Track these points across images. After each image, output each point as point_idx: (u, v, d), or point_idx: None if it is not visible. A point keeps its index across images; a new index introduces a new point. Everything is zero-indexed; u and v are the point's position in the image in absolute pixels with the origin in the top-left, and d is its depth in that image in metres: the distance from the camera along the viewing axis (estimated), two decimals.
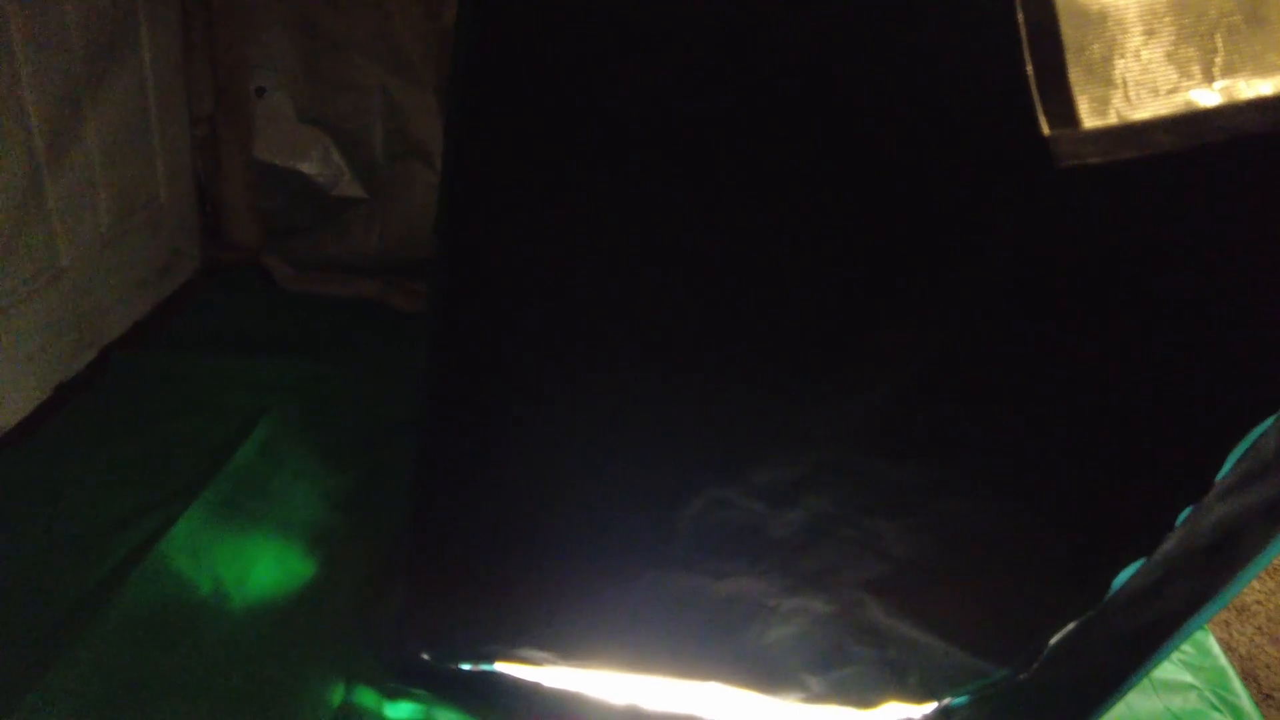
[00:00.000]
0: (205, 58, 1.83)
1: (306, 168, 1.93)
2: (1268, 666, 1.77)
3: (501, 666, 1.26)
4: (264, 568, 1.42)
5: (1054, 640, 1.10)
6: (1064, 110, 0.52)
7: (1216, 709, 1.60)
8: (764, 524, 1.03)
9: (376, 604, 1.36)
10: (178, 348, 1.86)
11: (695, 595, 1.10)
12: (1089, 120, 0.53)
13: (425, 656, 1.25)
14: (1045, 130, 0.53)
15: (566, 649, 1.19)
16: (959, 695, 1.19)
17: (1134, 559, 1.01)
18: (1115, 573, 1.03)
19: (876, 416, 0.93)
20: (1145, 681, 1.69)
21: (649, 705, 1.25)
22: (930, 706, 1.22)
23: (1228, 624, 1.86)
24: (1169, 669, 1.70)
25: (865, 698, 1.21)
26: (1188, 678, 1.68)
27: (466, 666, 1.26)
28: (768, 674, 1.21)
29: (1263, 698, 1.70)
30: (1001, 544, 1.02)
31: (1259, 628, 1.86)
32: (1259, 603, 1.93)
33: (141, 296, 1.84)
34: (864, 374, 0.90)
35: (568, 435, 0.98)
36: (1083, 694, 1.14)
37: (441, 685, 1.28)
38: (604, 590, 1.10)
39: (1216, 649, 1.73)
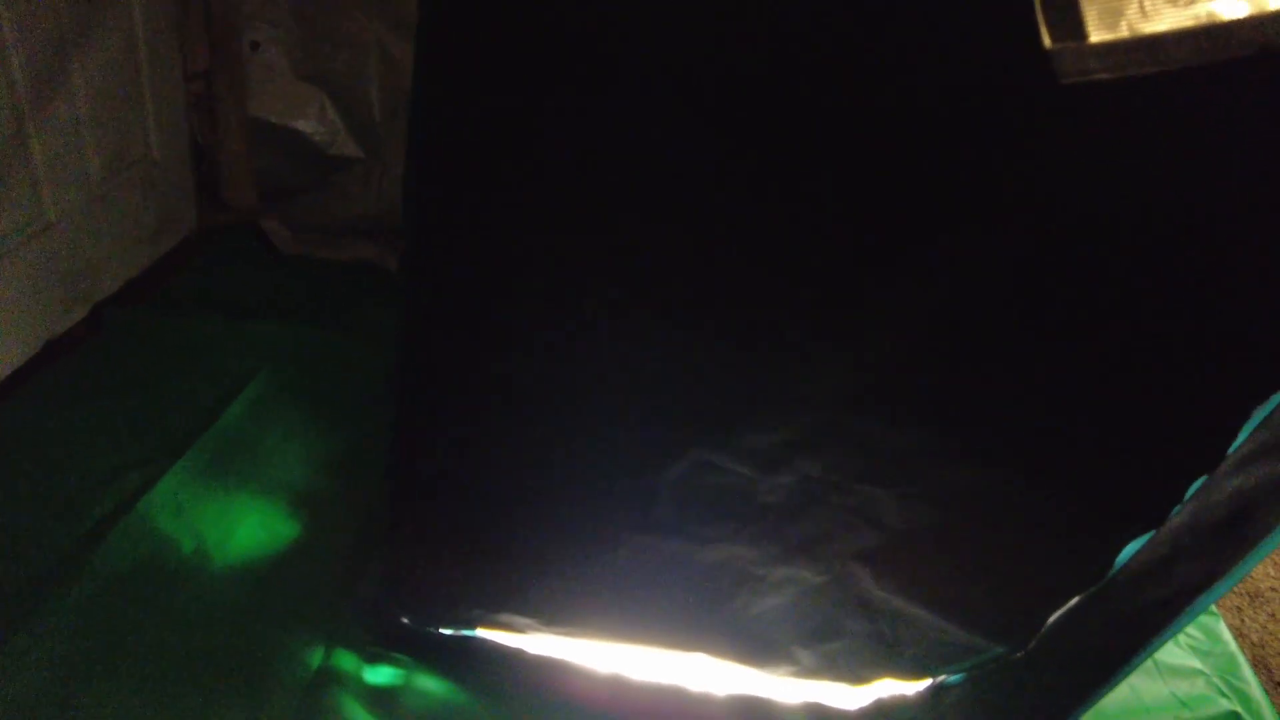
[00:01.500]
0: (199, 11, 1.79)
1: (302, 125, 1.89)
2: (1279, 654, 1.71)
3: (483, 633, 1.23)
4: (248, 528, 1.40)
5: (1053, 618, 1.06)
6: (1069, 21, 0.47)
7: (1224, 695, 1.56)
8: (752, 489, 0.99)
9: (360, 567, 1.34)
10: (171, 307, 1.84)
11: (680, 562, 1.06)
12: (1097, 33, 0.47)
13: (405, 621, 1.22)
14: (1047, 43, 0.48)
15: (549, 615, 1.16)
16: (954, 673, 1.15)
17: (1141, 532, 0.96)
18: (1120, 547, 0.98)
19: (873, 379, 0.88)
20: (1152, 666, 1.65)
21: (634, 675, 1.22)
22: (924, 683, 1.18)
23: (1240, 610, 1.81)
24: (1177, 654, 1.65)
25: (857, 673, 1.17)
26: (1196, 663, 1.63)
27: (448, 632, 1.24)
28: (756, 646, 1.17)
29: (1274, 685, 1.65)
30: (1001, 516, 0.97)
31: (1272, 614, 1.81)
32: (1274, 589, 1.87)
33: (135, 255, 1.82)
34: (860, 334, 0.86)
35: (548, 394, 0.94)
36: (1082, 674, 1.10)
37: (422, 650, 1.25)
38: (586, 556, 1.07)
39: (1227, 635, 1.68)
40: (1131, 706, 1.53)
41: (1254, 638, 1.75)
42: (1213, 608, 1.74)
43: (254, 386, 1.65)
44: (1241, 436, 0.90)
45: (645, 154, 0.77)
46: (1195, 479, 0.91)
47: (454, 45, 0.72)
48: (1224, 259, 0.74)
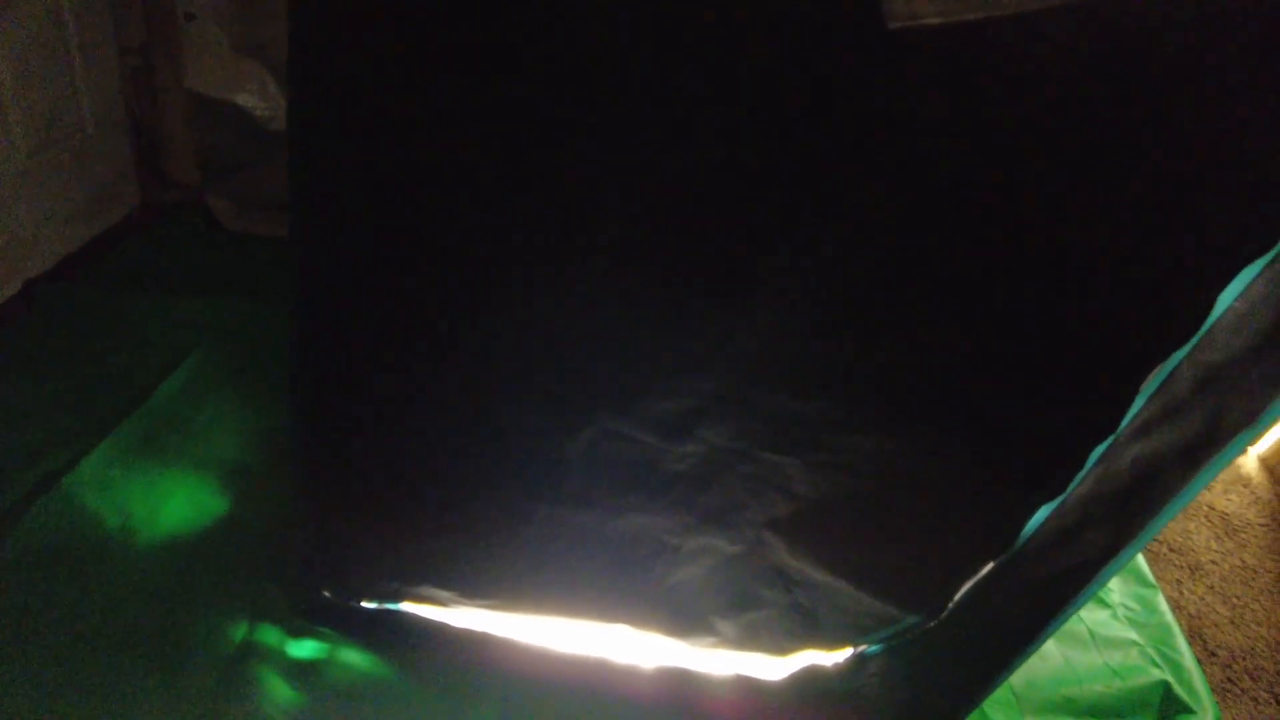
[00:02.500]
0: None
1: (242, 100, 1.86)
2: (1215, 625, 1.73)
3: (408, 606, 1.23)
4: (176, 504, 1.39)
5: (966, 587, 1.06)
6: None
7: (1156, 665, 1.57)
8: (659, 458, 0.98)
9: (287, 541, 1.33)
10: (109, 284, 1.81)
11: (594, 532, 1.06)
12: None
13: (327, 594, 1.22)
14: None
15: (468, 589, 1.16)
16: (873, 643, 1.16)
17: (1045, 500, 0.97)
18: (1027, 515, 0.98)
19: (769, 346, 0.87)
20: (1088, 636, 1.67)
21: (558, 648, 1.22)
22: (845, 654, 1.18)
23: (1179, 583, 1.83)
24: (1114, 626, 1.67)
25: (778, 644, 1.18)
26: (1132, 634, 1.65)
27: (371, 605, 1.23)
28: (677, 617, 1.17)
29: (1207, 655, 1.67)
30: (907, 485, 0.97)
31: (1211, 586, 1.83)
32: (1214, 562, 1.89)
33: (69, 231, 1.79)
34: (753, 301, 0.85)
35: (447, 367, 0.93)
36: (999, 642, 1.10)
37: (347, 624, 1.25)
38: (499, 528, 1.06)
39: (1164, 606, 1.69)
40: (1065, 676, 1.54)
41: (1191, 609, 1.77)
42: (1151, 579, 1.76)
43: (190, 362, 1.63)
44: (1139, 404, 0.90)
45: (541, 126, 0.76)
46: (1094, 446, 0.92)
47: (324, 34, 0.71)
48: (1103, 222, 0.73)
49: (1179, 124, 0.71)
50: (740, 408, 0.93)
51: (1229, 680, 1.62)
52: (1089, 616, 1.68)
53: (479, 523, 1.06)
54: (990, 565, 1.03)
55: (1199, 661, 1.62)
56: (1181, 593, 1.80)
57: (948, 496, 0.97)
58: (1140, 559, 1.81)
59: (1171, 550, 1.91)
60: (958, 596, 1.07)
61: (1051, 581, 1.03)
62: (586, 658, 1.23)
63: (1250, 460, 2.21)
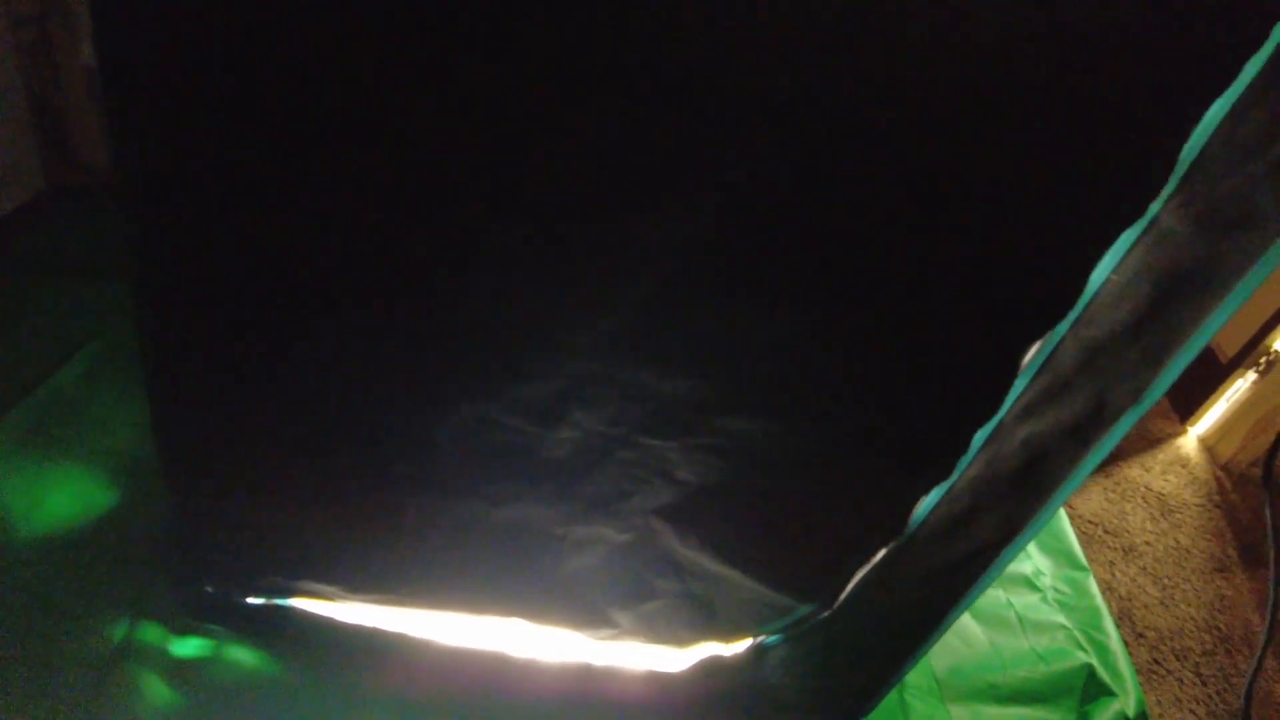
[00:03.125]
0: None
1: None
2: (1146, 607, 1.72)
3: (297, 601, 1.18)
4: (61, 498, 1.33)
5: (860, 576, 1.03)
6: None
7: (1082, 649, 1.55)
8: (534, 444, 0.94)
9: (172, 535, 1.27)
10: (8, 271, 1.73)
11: (475, 523, 1.01)
12: None
13: (209, 589, 1.16)
14: None
15: (353, 582, 1.11)
16: (771, 633, 1.12)
17: (932, 484, 0.93)
18: (913, 500, 0.95)
19: (632, 323, 0.83)
20: (1015, 621, 1.65)
21: (452, 642, 1.18)
22: (744, 645, 1.15)
23: (1112, 564, 1.81)
24: (1042, 609, 1.65)
25: (677, 635, 1.14)
26: (1060, 618, 1.63)
27: (259, 600, 1.18)
28: (572, 609, 1.13)
29: (1135, 637, 1.66)
30: (790, 469, 0.93)
31: (1144, 568, 1.81)
32: (1148, 544, 1.88)
33: None
34: (614, 275, 0.80)
35: (306, 353, 0.88)
36: (902, 631, 1.08)
37: (234, 620, 1.20)
38: (374, 519, 1.02)
39: (1094, 589, 1.67)
40: (990, 662, 1.52)
41: (1122, 591, 1.75)
42: (1083, 562, 1.74)
43: (89, 350, 1.56)
44: (1024, 384, 0.87)
45: (381, 98, 0.71)
46: (977, 428, 0.88)
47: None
48: (973, 193, 0.69)
49: (1044, 87, 0.68)
50: (608, 389, 0.88)
51: (1155, 661, 1.61)
52: (1018, 601, 1.66)
53: (353, 514, 1.02)
54: (883, 552, 1.00)
55: (1126, 644, 1.60)
56: (1114, 574, 1.79)
57: (832, 482, 0.94)
58: (1074, 541, 1.79)
59: (1106, 532, 1.89)
60: (852, 585, 1.04)
61: (950, 568, 1.00)
62: (484, 652, 1.19)
63: (1190, 440, 2.20)
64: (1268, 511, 1.68)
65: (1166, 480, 2.07)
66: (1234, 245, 0.73)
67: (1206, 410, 2.18)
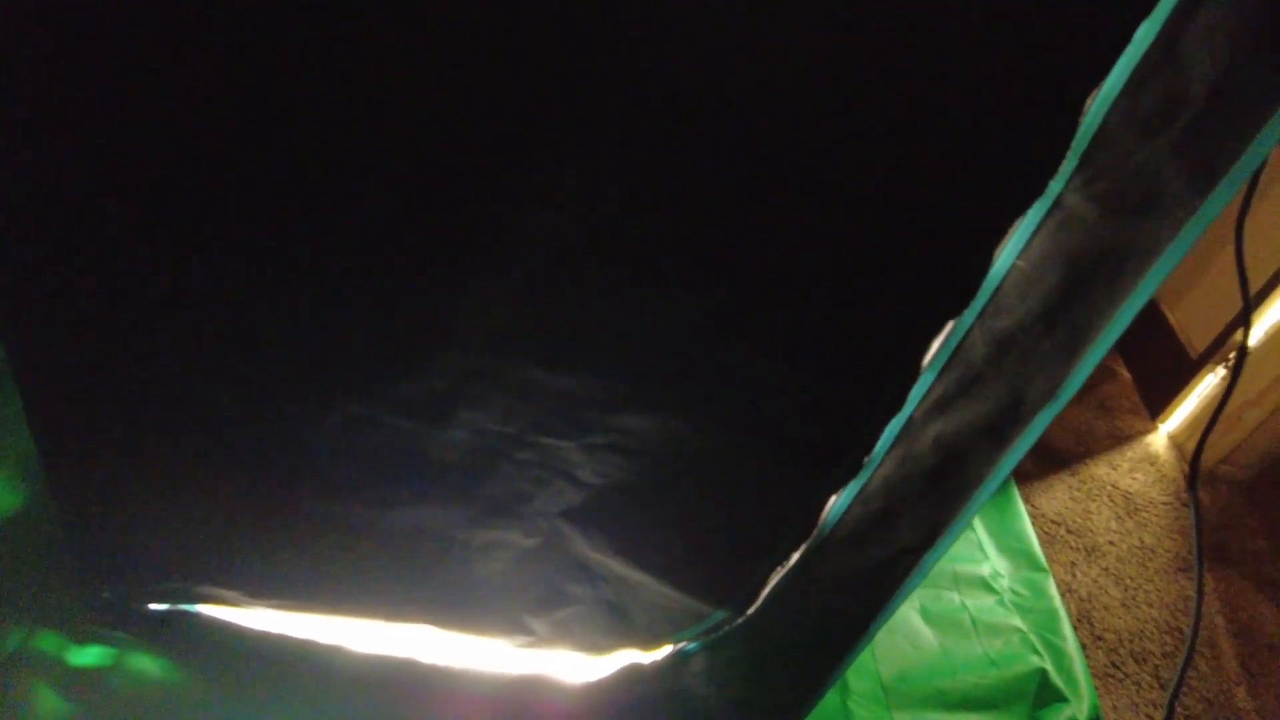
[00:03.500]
0: None
1: None
2: (1106, 608, 1.67)
3: (200, 608, 1.13)
4: None
5: (775, 580, 0.98)
6: None
7: (1036, 652, 1.50)
8: (422, 444, 0.89)
9: (72, 540, 1.22)
10: None
11: (367, 526, 0.96)
12: None
13: (107, 595, 1.11)
14: None
15: (254, 587, 1.06)
16: (689, 640, 1.07)
17: (840, 484, 0.88)
18: (821, 500, 0.90)
19: (514, 316, 0.78)
20: (969, 624, 1.59)
21: (359, 648, 1.13)
22: (663, 651, 1.10)
23: (1073, 565, 1.76)
24: (997, 612, 1.60)
25: (593, 641, 1.09)
26: (1016, 621, 1.58)
27: (161, 607, 1.13)
28: (485, 616, 1.08)
29: (1094, 639, 1.61)
30: (693, 468, 0.88)
31: (1105, 568, 1.76)
32: (1111, 543, 1.83)
33: None
34: (491, 264, 0.75)
35: (173, 355, 0.83)
36: (824, 638, 1.02)
37: (136, 627, 1.15)
38: (264, 522, 0.97)
39: (1053, 590, 1.62)
40: (940, 667, 1.47)
41: (1083, 592, 1.70)
42: (1043, 563, 1.69)
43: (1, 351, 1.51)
44: (931, 378, 0.81)
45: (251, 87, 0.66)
46: (883, 424, 0.83)
47: None
48: (862, 176, 0.64)
49: (928, 59, 0.62)
50: (497, 386, 0.83)
51: (1113, 665, 1.56)
52: (973, 603, 1.61)
53: (242, 517, 0.97)
54: (796, 555, 0.95)
55: (1083, 646, 1.55)
56: (1074, 575, 1.74)
57: (736, 481, 0.89)
58: (1034, 541, 1.74)
59: (1069, 531, 1.84)
60: (768, 590, 0.99)
61: (870, 572, 0.94)
62: (399, 661, 1.14)
63: (1160, 437, 2.15)
64: (1192, 513, 1.63)
65: (1134, 478, 2.01)
66: (1143, 228, 0.67)
67: (1177, 406, 2.13)
